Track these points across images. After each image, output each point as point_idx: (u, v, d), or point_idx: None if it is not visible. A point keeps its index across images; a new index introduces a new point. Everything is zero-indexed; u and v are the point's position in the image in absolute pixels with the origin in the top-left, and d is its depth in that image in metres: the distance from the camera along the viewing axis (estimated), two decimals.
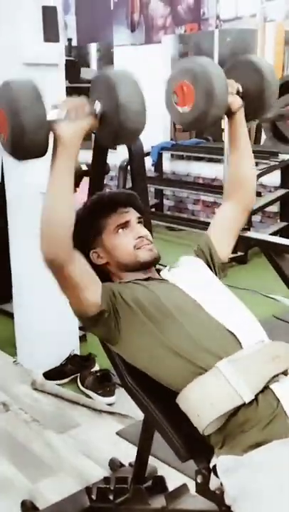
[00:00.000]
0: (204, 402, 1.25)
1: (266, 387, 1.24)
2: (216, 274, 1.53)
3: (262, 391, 1.24)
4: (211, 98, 1.36)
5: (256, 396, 1.23)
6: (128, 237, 1.48)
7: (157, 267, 1.56)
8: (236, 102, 1.48)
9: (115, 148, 2.92)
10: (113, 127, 1.24)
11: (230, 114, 1.49)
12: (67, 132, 1.21)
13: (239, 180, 1.57)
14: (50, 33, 2.49)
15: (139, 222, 1.53)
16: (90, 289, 1.33)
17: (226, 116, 1.50)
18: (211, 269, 1.54)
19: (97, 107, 1.24)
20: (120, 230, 1.49)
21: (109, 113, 1.23)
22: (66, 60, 2.71)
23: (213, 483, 1.27)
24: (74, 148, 1.23)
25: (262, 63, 1.51)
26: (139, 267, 1.48)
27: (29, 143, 1.18)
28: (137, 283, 1.43)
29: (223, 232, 1.57)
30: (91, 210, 1.52)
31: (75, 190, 3.20)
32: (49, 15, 2.48)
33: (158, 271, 1.54)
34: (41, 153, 1.22)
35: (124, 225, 1.49)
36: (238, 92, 1.48)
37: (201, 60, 1.41)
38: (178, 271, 1.50)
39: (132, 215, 1.52)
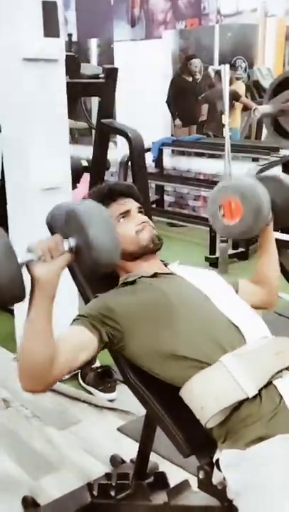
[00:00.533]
0: (208, 395, 1.25)
1: (269, 383, 1.25)
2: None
3: (265, 386, 1.24)
4: (259, 215, 1.51)
5: (259, 391, 1.24)
6: (130, 225, 1.51)
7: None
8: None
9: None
10: (87, 263, 1.25)
11: (263, 227, 1.59)
12: (44, 273, 1.18)
13: (263, 279, 1.65)
14: (51, 28, 2.48)
15: (139, 212, 1.56)
16: (83, 353, 1.30)
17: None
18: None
19: (72, 242, 1.24)
20: (122, 219, 1.52)
21: (83, 249, 1.23)
22: (66, 56, 2.69)
23: (215, 478, 1.27)
24: (52, 288, 1.20)
25: (287, 180, 1.66)
26: (143, 252, 1.50)
27: (6, 299, 1.16)
28: (141, 282, 1.44)
29: (247, 294, 1.58)
30: None
31: (76, 186, 3.21)
32: (49, 10, 2.47)
33: (165, 265, 1.56)
34: (20, 301, 1.18)
35: (125, 213, 1.53)
36: None
37: (248, 181, 1.57)
38: (188, 267, 1.53)
39: (131, 204, 1.55)
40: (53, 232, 1.60)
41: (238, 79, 5.86)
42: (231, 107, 5.59)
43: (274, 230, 1.65)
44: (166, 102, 6.16)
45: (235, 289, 1.56)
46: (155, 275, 1.47)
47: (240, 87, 5.83)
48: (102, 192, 1.57)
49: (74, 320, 1.36)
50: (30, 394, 2.34)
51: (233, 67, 5.80)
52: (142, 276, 1.46)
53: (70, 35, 7.02)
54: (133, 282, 1.46)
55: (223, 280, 1.55)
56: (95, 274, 1.37)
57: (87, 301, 1.51)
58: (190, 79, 6.16)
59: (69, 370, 1.29)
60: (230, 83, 5.67)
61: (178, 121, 6.24)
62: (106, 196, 1.52)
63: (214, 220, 1.59)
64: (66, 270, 1.59)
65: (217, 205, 1.56)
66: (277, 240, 2.27)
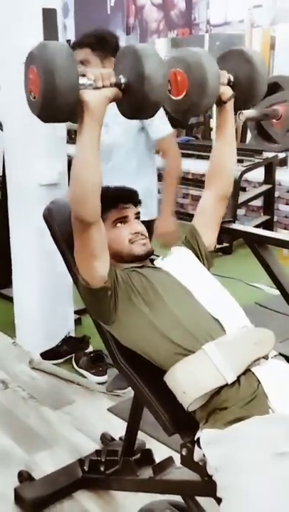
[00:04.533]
0: (190, 380, 1.26)
1: (248, 370, 1.25)
2: (204, 264, 1.54)
3: (244, 373, 1.25)
4: (204, 88, 1.31)
5: (238, 377, 1.24)
6: (125, 232, 1.49)
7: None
8: (227, 92, 1.44)
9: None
10: (137, 98, 1.20)
11: (220, 103, 1.46)
12: (94, 99, 1.18)
13: (219, 168, 1.56)
14: (50, 34, 2.46)
15: (136, 218, 1.53)
16: (102, 259, 1.32)
17: (215, 105, 1.46)
18: (200, 259, 1.54)
19: (122, 78, 1.21)
20: (118, 224, 1.49)
21: (134, 84, 1.19)
22: None
23: (197, 455, 1.28)
24: (99, 115, 1.20)
25: (253, 54, 1.45)
26: (132, 260, 1.48)
27: (60, 104, 1.13)
28: (133, 270, 1.44)
29: (205, 220, 1.57)
30: None
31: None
32: (49, 16, 2.45)
33: (151, 260, 1.54)
34: (68, 117, 1.18)
35: (123, 219, 1.50)
36: (228, 83, 1.44)
37: (194, 50, 1.35)
38: (170, 260, 1.51)
39: (130, 211, 1.52)
40: (49, 225, 1.60)
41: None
42: None
43: (235, 110, 1.50)
44: None
45: (197, 238, 1.54)
46: (143, 266, 1.47)
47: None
48: (107, 195, 1.49)
49: None
50: (28, 371, 2.33)
51: None
52: (133, 267, 1.46)
53: (68, 42, 6.98)
54: (127, 269, 1.46)
55: (193, 257, 1.52)
56: (140, 113, 1.27)
57: (69, 266, 1.50)
58: None
59: (95, 245, 1.30)
60: None
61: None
62: (110, 201, 1.48)
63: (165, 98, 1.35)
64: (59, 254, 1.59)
65: (166, 80, 1.30)
66: (260, 236, 2.27)
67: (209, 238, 1.57)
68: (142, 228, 1.53)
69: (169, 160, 2.35)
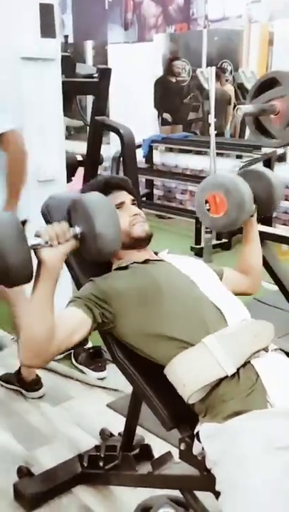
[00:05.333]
0: (190, 373, 1.26)
1: (247, 362, 1.26)
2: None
3: (243, 366, 1.25)
4: (242, 208, 1.53)
5: (238, 370, 1.24)
6: (123, 217, 1.50)
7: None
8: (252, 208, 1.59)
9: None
10: (91, 253, 1.26)
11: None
12: (50, 258, 1.20)
13: (247, 268, 1.66)
14: (48, 29, 2.46)
15: (133, 204, 1.56)
16: (77, 334, 1.31)
17: None
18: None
19: (77, 230, 1.25)
20: (116, 211, 1.49)
21: (88, 239, 1.24)
22: (62, 56, 2.67)
23: (195, 449, 1.28)
24: (57, 270, 1.22)
25: (268, 173, 1.68)
26: (134, 243, 1.49)
27: (14, 279, 1.16)
28: (133, 267, 1.44)
29: (232, 281, 1.60)
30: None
31: (71, 180, 3.19)
32: (46, 12, 2.44)
33: (156, 253, 1.56)
34: (27, 282, 1.19)
35: (120, 205, 1.52)
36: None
37: (232, 177, 1.58)
38: (176, 256, 1.54)
39: (125, 196, 1.55)
40: (47, 220, 1.60)
41: (226, 81, 5.84)
42: (225, 108, 5.60)
43: (257, 219, 1.66)
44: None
45: (219, 277, 1.56)
46: (146, 261, 1.48)
47: (230, 89, 5.81)
48: (98, 184, 1.56)
49: (69, 301, 1.36)
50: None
51: (221, 69, 5.77)
52: (134, 262, 1.46)
53: (66, 37, 6.95)
54: (126, 267, 1.46)
55: (208, 267, 1.55)
56: (97, 261, 1.36)
57: (79, 287, 1.51)
58: (173, 79, 6.12)
59: (65, 348, 1.29)
60: (221, 85, 5.66)
61: (166, 115, 6.21)
62: (102, 189, 1.50)
63: (201, 214, 1.59)
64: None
65: (203, 200, 1.57)
66: (259, 232, 2.27)
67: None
68: (140, 211, 1.56)
69: (9, 156, 2.16)
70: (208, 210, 1.57)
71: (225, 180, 1.56)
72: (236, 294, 1.50)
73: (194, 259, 1.59)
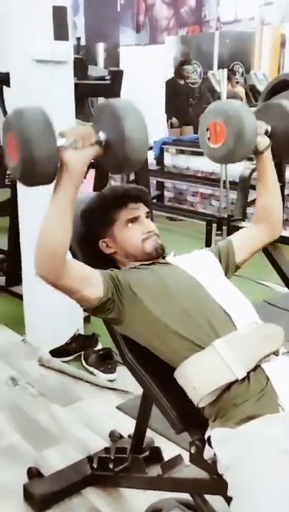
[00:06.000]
0: (200, 376, 1.26)
1: (258, 366, 1.25)
2: (225, 273, 1.53)
3: (254, 369, 1.24)
4: (240, 138, 1.38)
5: (248, 373, 1.24)
6: (137, 231, 1.48)
7: None
8: (263, 142, 1.48)
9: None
10: (118, 158, 1.20)
11: (258, 153, 1.50)
12: (74, 160, 1.18)
13: (266, 213, 1.58)
14: (60, 31, 2.46)
15: (147, 217, 1.53)
16: (88, 289, 1.31)
17: (253, 154, 1.51)
18: (222, 265, 1.53)
19: (102, 136, 1.20)
20: (130, 224, 1.49)
21: (114, 144, 1.19)
22: (74, 58, 2.68)
23: (207, 454, 1.27)
24: (79, 175, 1.20)
25: (287, 106, 1.51)
26: (145, 258, 1.48)
27: (39, 172, 1.13)
28: (141, 267, 1.44)
29: (245, 245, 1.57)
30: (104, 203, 1.51)
31: (82, 181, 3.19)
32: (59, 14, 2.45)
33: (163, 257, 1.54)
34: (49, 181, 1.18)
35: (135, 219, 1.49)
36: (266, 133, 1.50)
37: (233, 103, 1.44)
38: (184, 257, 1.52)
39: (141, 210, 1.51)
40: None
41: (237, 83, 5.83)
42: None
43: (273, 160, 1.53)
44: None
45: (228, 257, 1.53)
46: (153, 263, 1.47)
47: (241, 91, 5.81)
48: (116, 194, 1.52)
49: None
50: (37, 368, 2.34)
51: (232, 71, 5.76)
52: (142, 264, 1.46)
53: (78, 39, 6.98)
54: (135, 267, 1.46)
55: (213, 260, 1.52)
56: (120, 171, 1.29)
57: None
58: (182, 82, 6.13)
59: (74, 290, 1.28)
60: (232, 87, 5.65)
61: (174, 120, 6.21)
62: (119, 200, 1.48)
63: (203, 145, 1.47)
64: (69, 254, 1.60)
65: (204, 128, 1.44)
66: None
67: (241, 257, 1.57)
68: (154, 227, 1.52)
69: None
70: (208, 139, 1.43)
71: (227, 106, 1.43)
72: (259, 250, 1.51)
73: (201, 253, 1.55)
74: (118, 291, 1.35)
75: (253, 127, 1.40)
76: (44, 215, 1.21)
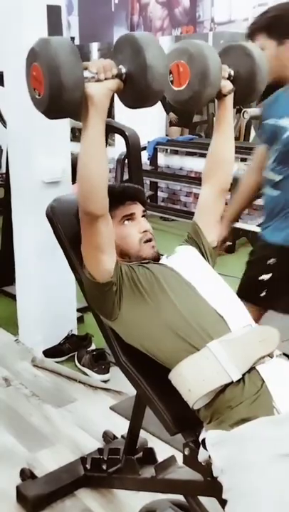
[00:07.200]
0: (195, 378, 1.25)
1: (253, 368, 1.25)
2: (209, 262, 1.54)
3: (249, 371, 1.24)
4: (206, 79, 1.31)
5: (243, 375, 1.23)
6: (134, 230, 1.49)
7: None
8: (227, 86, 1.44)
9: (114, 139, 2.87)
10: (139, 88, 1.20)
11: (220, 97, 1.46)
12: (98, 92, 1.18)
13: (218, 161, 1.56)
14: (54, 30, 2.45)
15: (143, 216, 1.53)
16: (108, 253, 1.33)
17: (216, 98, 1.47)
18: (204, 256, 1.54)
19: (123, 69, 1.21)
20: (126, 222, 1.49)
21: (136, 75, 1.19)
22: None
23: (201, 456, 1.27)
24: (104, 108, 1.20)
25: (253, 49, 1.44)
26: (140, 260, 1.48)
27: (66, 100, 1.13)
28: (138, 265, 1.44)
29: (206, 216, 1.58)
30: None
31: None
32: (53, 13, 2.45)
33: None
34: (74, 111, 1.18)
35: (130, 216, 1.50)
36: (229, 77, 1.44)
37: (196, 42, 1.34)
38: (175, 258, 1.50)
39: (137, 208, 1.52)
40: (52, 223, 1.59)
41: None
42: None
43: (235, 105, 1.49)
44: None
45: (198, 235, 1.55)
46: (149, 262, 1.47)
47: None
48: (113, 192, 1.48)
49: None
50: (30, 369, 2.31)
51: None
52: (141, 263, 1.45)
53: (72, 39, 6.96)
54: (133, 265, 1.45)
55: (197, 255, 1.52)
56: (142, 103, 1.26)
57: (83, 289, 1.50)
58: None
59: (103, 239, 1.30)
60: None
61: (172, 115, 6.19)
62: (116, 197, 1.47)
63: (167, 90, 1.35)
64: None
65: (167, 71, 1.32)
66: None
67: (211, 234, 1.57)
68: (150, 227, 1.53)
69: None
70: (172, 82, 1.34)
71: (189, 45, 1.33)
72: (220, 212, 1.55)
73: (186, 251, 1.54)
74: (120, 281, 1.36)
75: (218, 66, 1.34)
76: (80, 152, 1.23)
